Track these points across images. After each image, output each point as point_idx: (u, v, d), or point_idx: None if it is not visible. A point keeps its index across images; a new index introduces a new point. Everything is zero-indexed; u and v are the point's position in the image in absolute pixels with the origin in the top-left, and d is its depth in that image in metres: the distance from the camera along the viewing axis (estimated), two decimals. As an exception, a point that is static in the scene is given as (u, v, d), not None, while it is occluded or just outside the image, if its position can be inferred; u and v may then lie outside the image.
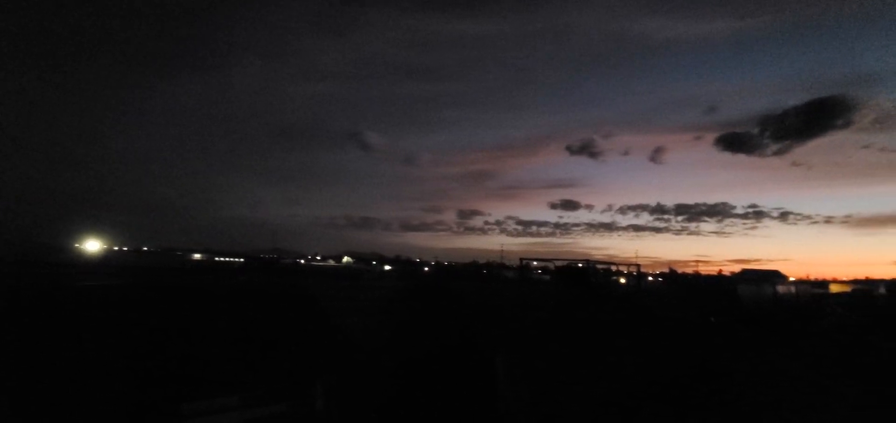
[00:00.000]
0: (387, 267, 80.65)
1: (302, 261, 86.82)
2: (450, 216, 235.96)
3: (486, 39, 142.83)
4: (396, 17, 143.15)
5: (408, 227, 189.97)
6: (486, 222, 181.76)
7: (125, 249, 66.32)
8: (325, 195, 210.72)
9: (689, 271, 77.03)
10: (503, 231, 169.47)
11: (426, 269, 65.29)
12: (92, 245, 48.28)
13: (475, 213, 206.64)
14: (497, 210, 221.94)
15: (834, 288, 73.10)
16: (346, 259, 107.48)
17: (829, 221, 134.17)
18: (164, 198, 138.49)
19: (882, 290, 30.81)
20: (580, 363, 9.75)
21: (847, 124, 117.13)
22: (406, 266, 78.51)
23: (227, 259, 69.44)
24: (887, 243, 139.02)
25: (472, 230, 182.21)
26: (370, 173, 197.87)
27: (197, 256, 72.88)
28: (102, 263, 37.62)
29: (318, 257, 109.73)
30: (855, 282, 62.67)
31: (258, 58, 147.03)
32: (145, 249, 74.59)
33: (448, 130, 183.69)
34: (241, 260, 65.41)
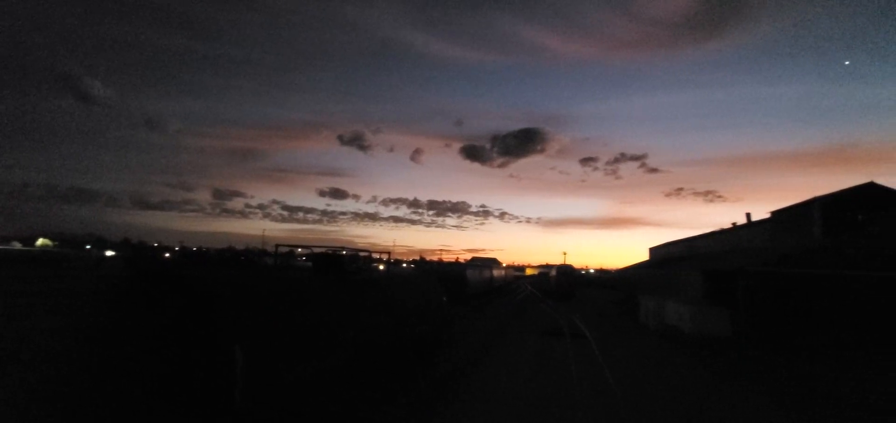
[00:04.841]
0: (109, 252, 64.52)
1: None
2: (203, 195, 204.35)
3: (262, 7, 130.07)
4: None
5: (145, 204, 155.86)
6: (248, 205, 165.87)
7: None
8: (15, 155, 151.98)
9: (435, 258, 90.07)
10: (267, 216, 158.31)
11: (167, 255, 54.95)
12: None
13: (236, 194, 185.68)
14: (261, 193, 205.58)
15: (528, 271, 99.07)
16: (41, 241, 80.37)
17: (528, 221, 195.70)
18: None
19: (553, 272, 43.55)
20: (324, 342, 10.56)
21: (542, 150, 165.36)
22: (138, 251, 64.35)
23: None
24: (560, 239, 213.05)
25: (230, 213, 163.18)
26: (90, 133, 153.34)
27: None
28: None
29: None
30: (540, 266, 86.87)
31: None
32: None
33: (207, 97, 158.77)
34: None
